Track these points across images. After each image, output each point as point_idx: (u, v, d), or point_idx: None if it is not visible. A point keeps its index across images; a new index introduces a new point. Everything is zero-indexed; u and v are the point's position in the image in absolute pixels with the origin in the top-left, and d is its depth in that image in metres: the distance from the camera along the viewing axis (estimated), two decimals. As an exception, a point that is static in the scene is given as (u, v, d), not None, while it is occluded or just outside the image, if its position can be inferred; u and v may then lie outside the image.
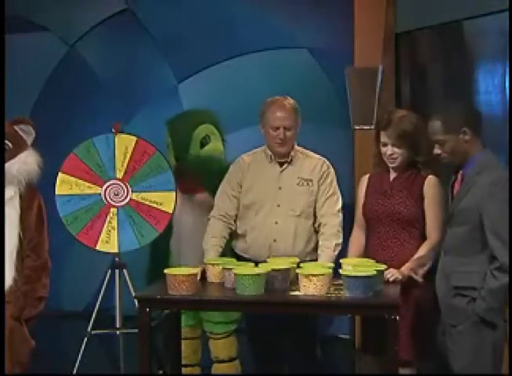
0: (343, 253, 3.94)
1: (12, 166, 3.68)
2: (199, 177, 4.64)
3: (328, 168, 4.10)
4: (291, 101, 4.07)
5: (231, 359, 4.79)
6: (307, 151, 4.15)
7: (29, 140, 3.79)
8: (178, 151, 4.68)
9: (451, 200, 3.50)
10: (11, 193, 3.68)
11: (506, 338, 3.42)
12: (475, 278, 3.35)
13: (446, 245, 3.48)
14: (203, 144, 4.69)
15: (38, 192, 3.82)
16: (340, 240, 3.99)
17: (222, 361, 4.78)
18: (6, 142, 3.69)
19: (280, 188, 4.05)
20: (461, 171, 3.46)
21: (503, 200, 3.26)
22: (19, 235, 3.67)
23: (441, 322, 3.55)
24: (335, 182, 4.10)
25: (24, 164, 3.71)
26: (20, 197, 3.71)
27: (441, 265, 3.49)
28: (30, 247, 3.72)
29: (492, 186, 3.28)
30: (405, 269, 3.68)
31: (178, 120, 4.82)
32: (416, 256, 3.72)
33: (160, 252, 4.70)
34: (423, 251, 3.72)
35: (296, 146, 4.12)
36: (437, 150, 3.47)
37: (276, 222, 4.02)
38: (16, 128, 3.74)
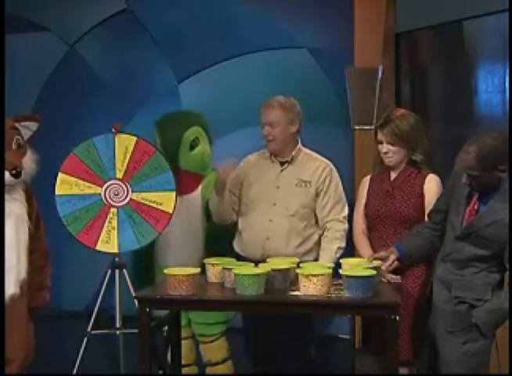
0: (342, 254, 3.94)
1: (25, 163, 3.71)
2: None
3: (331, 171, 4.09)
4: (283, 99, 4.06)
5: (224, 361, 4.78)
6: (311, 153, 4.15)
7: (26, 137, 3.81)
8: (167, 153, 4.68)
9: (462, 215, 3.45)
10: (20, 190, 3.72)
11: (495, 344, 3.43)
12: (479, 289, 3.35)
13: (451, 256, 3.45)
14: (192, 146, 4.68)
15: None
16: (343, 245, 4.00)
17: (216, 364, 4.77)
18: (20, 138, 3.72)
19: (278, 187, 4.06)
20: (477, 193, 3.42)
21: None
22: (30, 229, 3.71)
23: (430, 325, 3.53)
24: (340, 189, 4.09)
25: (32, 161, 3.75)
26: (24, 192, 3.75)
27: (440, 273, 3.47)
28: (36, 239, 3.77)
29: None
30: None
31: (167, 121, 4.80)
32: None
33: (145, 252, 4.69)
34: None
35: (301, 147, 4.12)
36: (465, 180, 3.38)
37: (271, 220, 4.03)
38: (16, 125, 3.75)
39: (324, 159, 4.15)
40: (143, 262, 4.72)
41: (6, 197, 3.66)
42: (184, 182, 4.64)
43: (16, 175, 3.63)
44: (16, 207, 3.69)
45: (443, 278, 3.46)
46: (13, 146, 3.68)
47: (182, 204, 4.61)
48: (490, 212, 3.36)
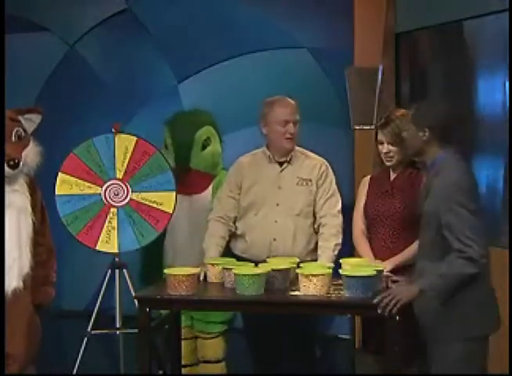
0: (342, 254, 3.94)
1: (27, 155, 3.70)
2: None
3: (327, 168, 4.12)
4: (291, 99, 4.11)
5: (217, 361, 4.76)
6: (306, 151, 4.17)
7: (29, 130, 3.81)
8: (179, 153, 4.68)
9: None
10: (22, 181, 3.71)
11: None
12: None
13: (419, 249, 3.41)
14: (204, 146, 4.69)
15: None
16: (340, 241, 4.00)
17: (208, 362, 4.76)
18: (20, 130, 3.71)
19: (280, 187, 4.06)
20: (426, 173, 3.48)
21: (457, 203, 3.16)
22: (33, 222, 3.70)
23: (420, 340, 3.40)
24: (334, 184, 4.11)
25: (35, 154, 3.74)
26: (27, 185, 3.74)
27: (416, 271, 3.40)
28: (41, 233, 3.75)
29: (445, 189, 3.20)
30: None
31: (179, 121, 4.81)
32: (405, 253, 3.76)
33: (154, 252, 4.69)
34: (412, 248, 3.73)
35: (295, 146, 4.13)
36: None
37: (276, 221, 4.02)
38: (19, 117, 3.75)
39: (318, 157, 4.17)
40: (151, 263, 4.72)
41: (6, 188, 3.64)
42: (195, 182, 4.66)
43: (13, 167, 3.62)
44: (17, 199, 3.67)
45: (419, 276, 3.38)
46: (13, 138, 3.67)
47: (192, 204, 4.63)
48: (424, 187, 3.39)
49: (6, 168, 3.60)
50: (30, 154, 3.72)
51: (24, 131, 3.74)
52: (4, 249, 3.60)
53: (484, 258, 3.14)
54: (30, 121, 3.79)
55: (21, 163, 3.65)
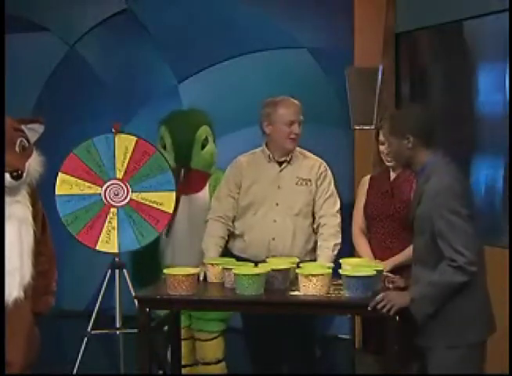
0: (342, 254, 3.94)
1: (30, 165, 3.70)
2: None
3: (326, 169, 4.12)
4: None
5: (218, 362, 4.75)
6: (304, 151, 4.17)
7: (32, 140, 3.81)
8: (180, 152, 4.68)
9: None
10: (24, 192, 3.71)
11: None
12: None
13: (413, 255, 3.39)
14: (203, 145, 4.70)
15: None
16: (339, 241, 4.00)
17: (209, 363, 4.75)
18: (24, 140, 3.71)
19: (279, 187, 4.06)
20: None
21: (449, 210, 3.13)
22: (35, 232, 3.70)
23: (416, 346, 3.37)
24: (332, 184, 4.12)
25: (37, 164, 3.74)
26: (29, 195, 3.74)
27: (412, 277, 3.38)
28: (42, 243, 3.76)
29: (437, 195, 3.16)
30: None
31: (177, 121, 4.80)
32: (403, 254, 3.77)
33: (148, 252, 4.69)
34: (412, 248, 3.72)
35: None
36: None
37: (275, 221, 4.02)
38: (22, 127, 3.75)
39: (316, 157, 4.17)
40: (146, 263, 4.72)
41: (8, 199, 3.62)
42: (194, 182, 4.66)
43: (17, 178, 3.62)
44: (19, 210, 3.66)
45: (414, 281, 3.36)
46: (17, 149, 3.66)
47: (190, 204, 4.62)
48: (416, 193, 3.36)
49: (9, 179, 3.59)
50: (33, 164, 3.71)
51: (28, 141, 3.74)
52: (4, 258, 3.60)
53: (473, 266, 3.10)
54: (33, 131, 3.79)
55: (24, 174, 3.65)
